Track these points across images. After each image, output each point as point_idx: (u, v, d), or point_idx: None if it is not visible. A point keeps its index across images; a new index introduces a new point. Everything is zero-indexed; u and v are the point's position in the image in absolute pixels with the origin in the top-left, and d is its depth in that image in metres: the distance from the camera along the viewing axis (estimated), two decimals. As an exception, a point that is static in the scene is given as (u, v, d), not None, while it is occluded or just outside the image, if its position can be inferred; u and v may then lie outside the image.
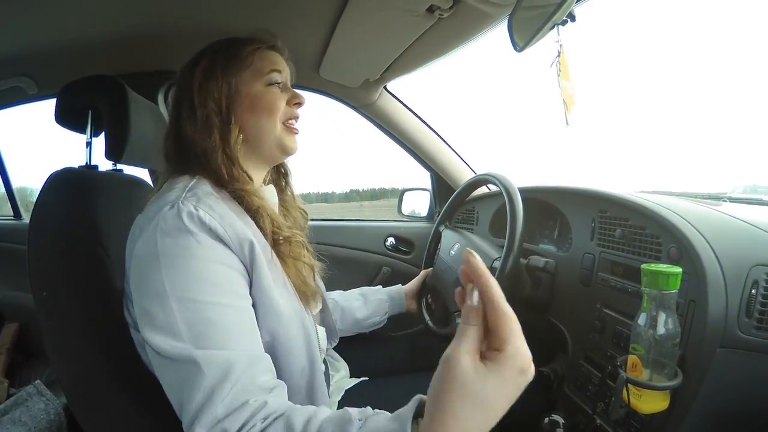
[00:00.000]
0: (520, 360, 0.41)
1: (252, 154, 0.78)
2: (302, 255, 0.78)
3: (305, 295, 0.76)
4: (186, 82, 0.76)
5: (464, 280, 0.45)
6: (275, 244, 0.72)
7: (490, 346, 0.42)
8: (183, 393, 0.56)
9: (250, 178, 0.76)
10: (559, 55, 0.79)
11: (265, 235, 0.71)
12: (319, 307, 0.88)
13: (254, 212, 0.71)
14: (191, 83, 0.74)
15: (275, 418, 0.54)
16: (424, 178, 1.86)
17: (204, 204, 0.63)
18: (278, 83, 0.79)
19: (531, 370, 0.43)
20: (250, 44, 0.78)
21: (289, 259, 0.74)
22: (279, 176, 0.92)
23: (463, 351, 0.41)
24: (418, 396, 0.48)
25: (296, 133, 0.81)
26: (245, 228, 0.67)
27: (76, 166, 0.87)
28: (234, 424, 0.53)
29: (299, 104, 0.81)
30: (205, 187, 0.69)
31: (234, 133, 0.74)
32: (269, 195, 0.83)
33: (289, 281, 0.72)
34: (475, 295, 0.43)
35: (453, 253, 1.17)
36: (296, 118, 0.81)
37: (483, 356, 0.42)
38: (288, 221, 0.85)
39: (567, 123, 0.82)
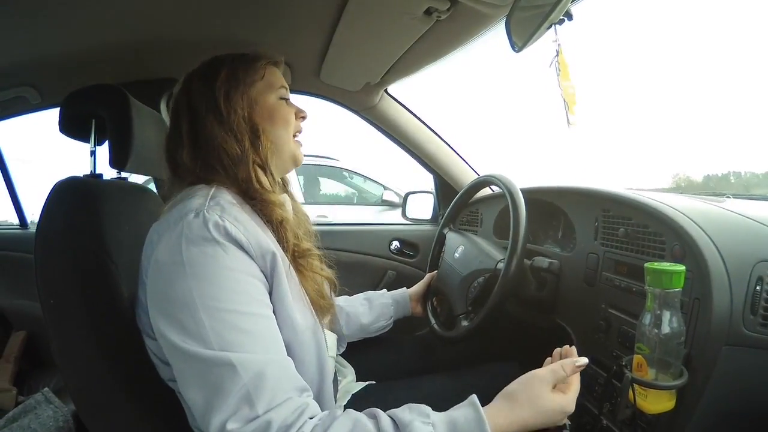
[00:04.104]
0: (565, 408, 0.65)
1: (274, 164, 0.79)
2: (320, 269, 0.80)
3: (321, 308, 0.76)
4: (206, 90, 0.75)
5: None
6: (294, 258, 0.73)
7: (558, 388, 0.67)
8: (213, 394, 0.56)
9: (276, 185, 0.78)
10: (557, 55, 0.80)
11: (285, 247, 0.72)
12: (329, 316, 0.89)
13: (278, 225, 0.72)
14: (214, 91, 0.74)
15: (333, 419, 0.58)
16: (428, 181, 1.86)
17: (229, 215, 0.64)
18: (286, 98, 0.83)
19: (566, 414, 0.66)
20: (261, 58, 0.80)
21: (308, 272, 0.75)
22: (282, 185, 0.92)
23: (552, 382, 0.65)
24: (473, 396, 0.63)
25: (301, 145, 0.85)
26: (267, 239, 0.67)
27: (81, 175, 0.87)
28: (278, 416, 0.55)
29: (303, 118, 0.85)
30: (227, 196, 0.69)
31: (264, 142, 0.76)
32: (287, 205, 0.83)
33: (305, 294, 0.73)
34: (583, 362, 0.68)
35: (457, 255, 1.17)
36: (300, 131, 0.85)
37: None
38: (301, 228, 0.85)
39: (569, 122, 0.83)
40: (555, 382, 0.65)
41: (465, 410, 0.61)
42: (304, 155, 0.86)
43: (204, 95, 0.75)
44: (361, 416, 0.59)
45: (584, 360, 0.68)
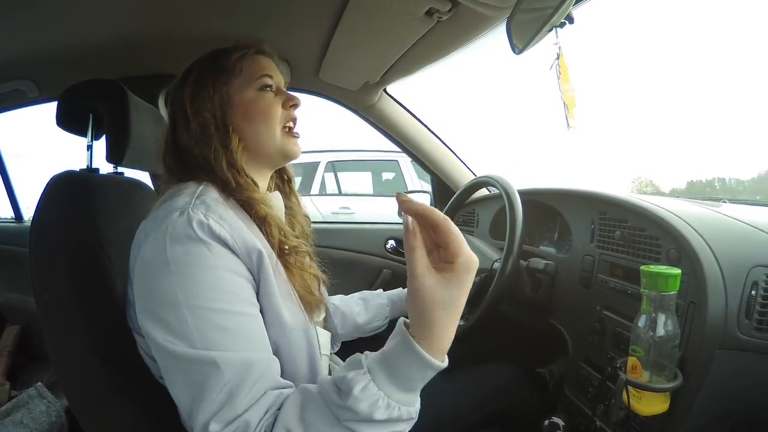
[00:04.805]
0: (468, 264, 0.51)
1: (254, 161, 0.78)
2: (308, 265, 0.79)
3: (310, 304, 0.75)
4: (178, 97, 0.76)
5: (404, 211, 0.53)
6: (281, 254, 0.72)
7: (443, 259, 0.51)
8: (197, 392, 0.56)
9: (256, 185, 0.76)
10: (558, 58, 0.80)
11: (272, 244, 0.71)
12: (323, 315, 0.88)
13: (262, 221, 0.71)
14: (183, 97, 0.75)
15: (286, 396, 0.58)
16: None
17: (213, 213, 0.63)
18: (270, 86, 0.79)
19: (476, 266, 0.51)
20: (236, 51, 0.78)
21: (295, 269, 0.74)
22: (283, 182, 0.92)
23: (422, 272, 0.50)
24: (401, 318, 0.55)
25: (297, 137, 0.81)
26: (253, 236, 0.66)
27: (77, 169, 0.87)
28: (256, 414, 0.55)
29: (295, 106, 0.81)
30: (213, 194, 0.68)
31: (234, 141, 0.74)
32: (276, 202, 0.82)
33: (293, 291, 0.72)
34: (408, 220, 0.52)
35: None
36: (294, 120, 0.81)
37: (439, 269, 0.51)
38: (295, 229, 0.84)
39: (568, 125, 0.83)
40: (429, 267, 0.51)
41: (393, 340, 0.54)
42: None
43: (176, 103, 0.76)
44: (307, 387, 0.58)
45: (408, 219, 0.52)
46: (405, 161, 4.66)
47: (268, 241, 0.71)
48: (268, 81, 0.78)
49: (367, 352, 0.56)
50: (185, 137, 0.73)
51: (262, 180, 0.81)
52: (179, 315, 0.57)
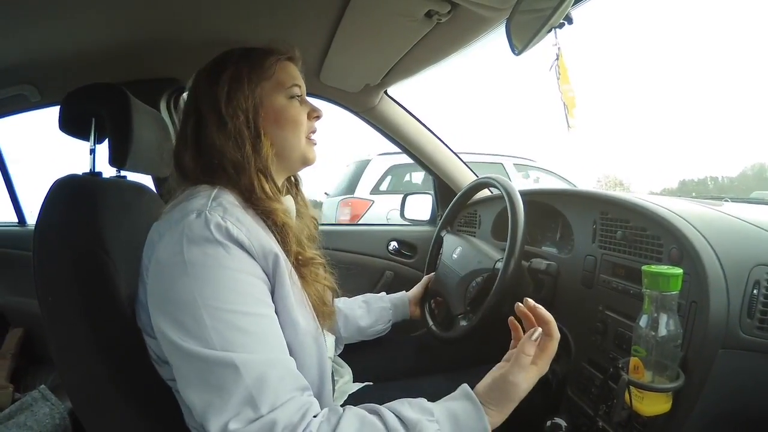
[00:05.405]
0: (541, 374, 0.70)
1: (277, 167, 0.78)
2: (323, 277, 0.79)
3: (323, 314, 0.76)
4: (209, 90, 0.74)
5: (526, 321, 0.74)
6: (297, 265, 0.72)
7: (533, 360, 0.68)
8: (215, 394, 0.56)
9: (279, 192, 0.76)
10: (557, 58, 0.80)
11: (287, 252, 0.71)
12: (330, 322, 0.89)
13: (280, 229, 0.71)
14: (216, 92, 0.73)
15: (339, 416, 0.59)
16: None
17: (231, 215, 0.63)
18: (298, 96, 0.80)
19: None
20: (271, 55, 0.78)
21: (311, 279, 0.75)
22: (290, 185, 0.92)
23: (523, 378, 0.66)
24: (465, 385, 0.68)
25: (315, 145, 0.83)
26: (270, 241, 0.67)
27: (80, 173, 0.87)
28: (283, 415, 0.56)
29: (318, 117, 0.83)
30: (229, 197, 0.68)
31: (266, 147, 0.73)
32: (290, 206, 0.82)
33: (307, 300, 0.72)
34: (537, 334, 0.69)
35: (455, 256, 1.18)
36: (315, 131, 0.83)
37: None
38: (304, 231, 0.85)
39: (568, 126, 0.83)
40: (525, 370, 0.67)
41: (463, 403, 0.64)
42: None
43: (207, 96, 0.74)
44: (365, 414, 0.60)
45: (538, 330, 0.70)
46: (509, 164, 4.68)
47: (284, 249, 0.71)
48: (297, 91, 0.79)
49: (423, 399, 0.64)
50: (217, 138, 0.72)
51: (280, 184, 0.82)
52: (197, 317, 0.58)
